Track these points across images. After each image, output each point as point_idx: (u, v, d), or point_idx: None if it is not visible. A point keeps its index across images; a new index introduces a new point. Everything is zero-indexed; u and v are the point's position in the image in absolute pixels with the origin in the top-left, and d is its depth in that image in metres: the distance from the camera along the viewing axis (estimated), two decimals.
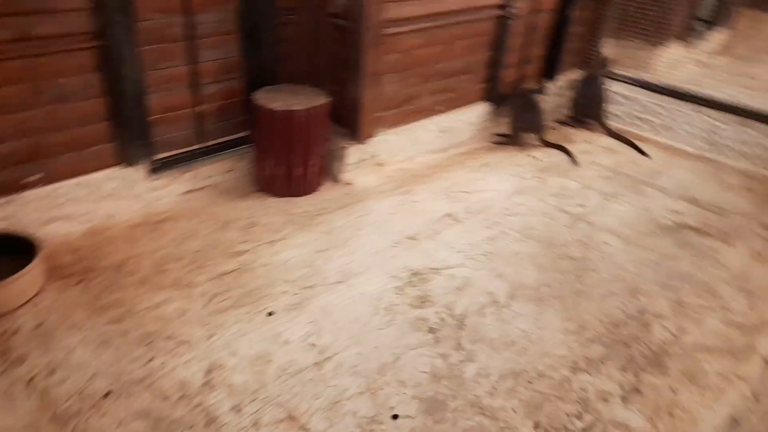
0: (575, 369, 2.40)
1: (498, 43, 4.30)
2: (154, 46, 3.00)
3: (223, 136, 3.54)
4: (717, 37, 5.77)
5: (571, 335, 2.56)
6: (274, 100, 3.31)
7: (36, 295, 2.60)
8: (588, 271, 2.99)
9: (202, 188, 3.48)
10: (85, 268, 2.80)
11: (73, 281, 2.71)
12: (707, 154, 4.43)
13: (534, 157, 4.25)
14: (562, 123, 4.90)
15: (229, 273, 2.84)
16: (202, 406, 2.12)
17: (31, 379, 2.20)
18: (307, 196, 3.56)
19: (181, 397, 2.16)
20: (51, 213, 2.95)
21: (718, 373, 2.41)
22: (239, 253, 2.98)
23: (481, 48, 4.24)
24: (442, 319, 2.61)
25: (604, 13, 5.03)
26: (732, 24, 6.02)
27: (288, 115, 3.24)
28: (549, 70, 4.97)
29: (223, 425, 2.06)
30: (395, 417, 2.14)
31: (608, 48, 5.22)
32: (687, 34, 5.39)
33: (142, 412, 2.09)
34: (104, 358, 2.31)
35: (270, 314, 2.60)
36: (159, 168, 3.28)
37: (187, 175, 3.40)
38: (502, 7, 4.13)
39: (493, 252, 3.11)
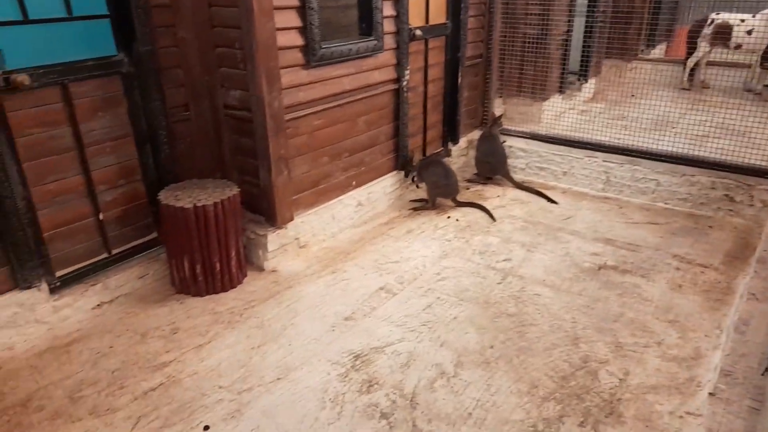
0: None
1: (398, 114, 4.47)
2: (39, 160, 2.82)
3: (130, 242, 3.34)
4: (588, 86, 6.40)
5: (525, 396, 2.52)
6: (181, 197, 3.18)
7: None
8: (527, 326, 3.01)
9: (113, 299, 3.21)
10: None
11: None
12: (607, 194, 4.77)
13: (452, 218, 4.35)
14: (471, 181, 5.11)
15: (154, 389, 2.57)
16: None
17: None
18: (232, 291, 3.37)
19: None
20: None
21: (670, 413, 2.43)
22: (164, 365, 2.72)
23: (383, 121, 4.38)
24: (393, 401, 2.49)
25: (489, 76, 5.43)
26: (598, 73, 6.74)
27: (198, 211, 3.11)
28: (451, 134, 5.24)
29: None
30: None
31: (498, 107, 5.61)
32: (563, 86, 5.94)
33: None
34: None
35: (206, 429, 2.35)
36: (60, 286, 3.00)
37: (95, 287, 3.13)
38: (395, 81, 4.33)
39: (433, 320, 3.07)
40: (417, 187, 4.69)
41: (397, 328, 3.01)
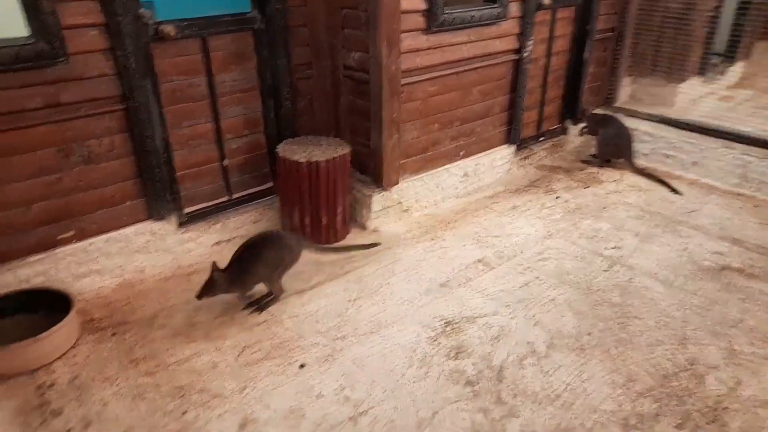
0: (627, 426, 2.24)
1: (515, 86, 4.33)
2: (178, 106, 3.09)
3: (249, 188, 3.58)
4: (734, 70, 5.74)
5: (619, 388, 2.42)
6: (297, 152, 3.34)
7: (71, 348, 2.60)
8: (631, 318, 2.86)
9: (230, 239, 3.49)
10: (117, 321, 2.79)
11: (106, 335, 2.69)
12: (742, 190, 4.31)
13: (561, 198, 4.18)
14: (586, 162, 4.85)
15: (259, 325, 2.79)
16: None
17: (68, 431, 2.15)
18: (336, 245, 3.54)
19: None
20: (84, 268, 2.97)
21: None
22: None
23: (498, 92, 4.27)
24: (480, 371, 2.51)
25: (620, 52, 5.06)
26: (748, 56, 6.00)
27: (312, 166, 3.27)
28: (570, 111, 4.99)
29: None
30: None
31: (626, 86, 5.22)
32: (704, 68, 5.37)
33: None
34: (138, 411, 2.27)
35: (302, 366, 2.53)
36: (188, 221, 3.31)
37: (216, 226, 3.42)
38: (517, 51, 4.18)
39: (529, 298, 3.02)
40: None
41: (491, 301, 2.99)
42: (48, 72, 2.57)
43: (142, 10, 2.77)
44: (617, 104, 5.24)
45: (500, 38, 4.02)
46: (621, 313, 2.90)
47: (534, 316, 2.87)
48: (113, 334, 2.71)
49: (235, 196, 3.53)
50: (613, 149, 4.74)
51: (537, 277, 3.20)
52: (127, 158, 2.96)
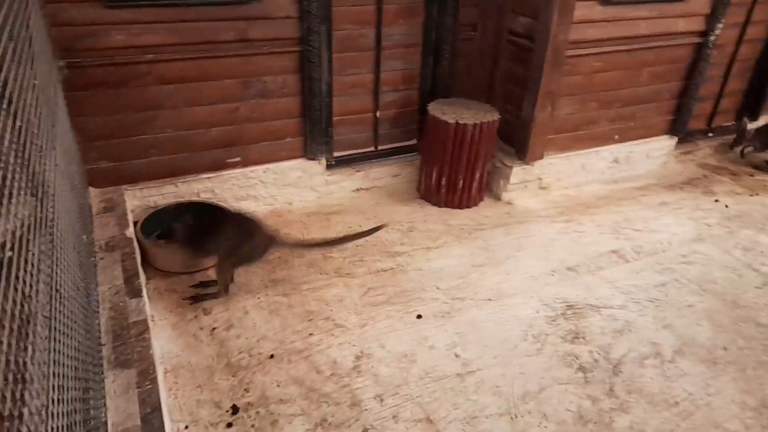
0: None
1: (693, 73, 3.95)
2: (346, 54, 3.26)
3: (394, 142, 3.73)
4: None
5: (749, 411, 2.25)
6: (447, 112, 3.39)
7: None
8: None
9: (370, 188, 3.69)
10: None
11: None
12: None
13: (720, 202, 3.81)
14: (759, 168, 4.33)
15: (385, 271, 2.97)
16: (349, 388, 2.25)
17: (214, 329, 2.52)
18: (467, 210, 3.59)
19: (332, 374, 2.31)
20: (243, 192, 3.34)
21: None
22: (397, 254, 3.10)
23: (672, 76, 3.93)
24: (596, 360, 2.46)
25: None
26: None
27: (458, 128, 3.30)
28: (751, 108, 4.45)
29: (366, 410, 2.16)
30: None
31: None
32: None
33: (298, 379, 2.28)
34: (272, 324, 2.57)
35: (419, 317, 2.67)
36: (335, 165, 3.55)
37: (359, 174, 3.63)
38: (702, 34, 3.79)
39: (663, 300, 2.86)
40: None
41: (620, 294, 2.88)
42: (243, 9, 2.86)
43: None
44: None
45: (685, 17, 3.68)
46: None
47: (665, 318, 2.72)
48: None
49: (381, 147, 3.69)
50: None
51: (676, 279, 3.01)
52: (295, 97, 3.23)
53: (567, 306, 2.78)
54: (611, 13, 3.40)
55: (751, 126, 4.23)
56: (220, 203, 3.14)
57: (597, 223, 3.50)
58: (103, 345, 1.96)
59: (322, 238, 3.06)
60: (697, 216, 3.65)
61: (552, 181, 3.83)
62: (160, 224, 3.02)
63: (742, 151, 4.34)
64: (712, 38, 3.81)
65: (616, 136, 3.98)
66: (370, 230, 2.94)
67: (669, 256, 3.21)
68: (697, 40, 3.82)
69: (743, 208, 3.76)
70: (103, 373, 1.85)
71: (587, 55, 3.49)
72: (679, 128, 4.15)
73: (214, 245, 2.59)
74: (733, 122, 4.51)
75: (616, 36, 3.51)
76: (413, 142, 3.77)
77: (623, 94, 3.81)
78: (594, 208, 3.68)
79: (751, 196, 3.94)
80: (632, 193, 3.89)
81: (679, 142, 4.24)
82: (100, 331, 2.00)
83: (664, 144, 4.18)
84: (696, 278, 3.03)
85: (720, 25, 3.78)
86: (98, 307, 2.11)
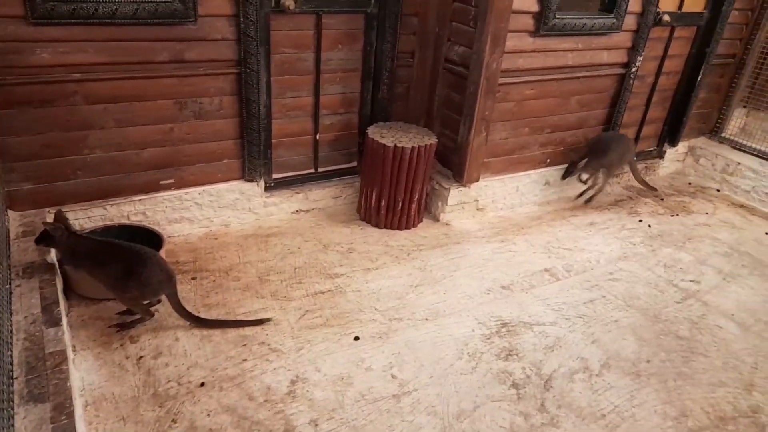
0: None
1: (617, 102, 4.20)
2: (284, 77, 3.28)
3: (335, 164, 3.75)
4: None
5: (670, 421, 2.36)
6: (386, 135, 3.45)
7: None
8: (696, 355, 2.76)
9: (310, 210, 3.68)
10: (198, 267, 3.05)
11: (187, 277, 2.95)
12: None
13: (644, 222, 4.04)
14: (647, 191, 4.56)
15: (323, 293, 2.95)
16: (283, 414, 2.21)
17: (140, 358, 2.41)
18: (406, 231, 3.63)
19: (266, 401, 2.26)
20: (177, 214, 3.25)
21: None
22: (335, 276, 3.09)
23: (597, 104, 4.16)
24: (528, 376, 2.53)
25: (737, 80, 4.75)
26: None
27: (397, 151, 3.37)
28: (670, 135, 4.76)
29: None
30: None
31: (738, 117, 4.90)
32: None
33: (229, 407, 2.21)
34: (204, 351, 2.48)
35: (356, 339, 2.66)
36: (274, 186, 3.53)
37: (299, 196, 3.61)
38: (625, 65, 4.05)
39: (591, 316, 2.98)
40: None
41: (551, 311, 2.98)
42: (178, 30, 2.82)
43: None
44: (724, 135, 4.94)
45: (609, 50, 3.92)
46: (687, 348, 2.80)
47: (593, 334, 2.84)
48: (193, 278, 2.96)
49: (321, 169, 3.70)
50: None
51: (604, 296, 3.14)
52: (232, 119, 3.20)
53: (501, 324, 2.85)
54: (541, 44, 3.58)
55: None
56: (150, 226, 3.04)
57: (530, 243, 3.62)
58: (15, 378, 1.85)
59: (204, 318, 2.65)
60: (622, 235, 3.85)
61: (488, 203, 3.94)
62: None
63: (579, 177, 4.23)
64: (633, 69, 4.07)
65: (548, 160, 4.16)
66: (253, 321, 2.69)
67: (597, 274, 3.36)
68: (620, 71, 4.07)
69: (665, 228, 3.99)
70: (13, 408, 1.74)
71: (519, 83, 3.66)
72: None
73: (106, 276, 2.41)
74: (655, 147, 4.81)
75: (545, 66, 3.70)
76: (353, 164, 3.81)
77: (553, 120, 3.99)
78: (527, 228, 3.82)
79: (672, 216, 4.19)
80: (563, 214, 4.07)
81: None
82: (12, 363, 1.88)
83: None
84: (621, 294, 3.18)
85: (640, 58, 4.05)
86: (11, 337, 1.98)
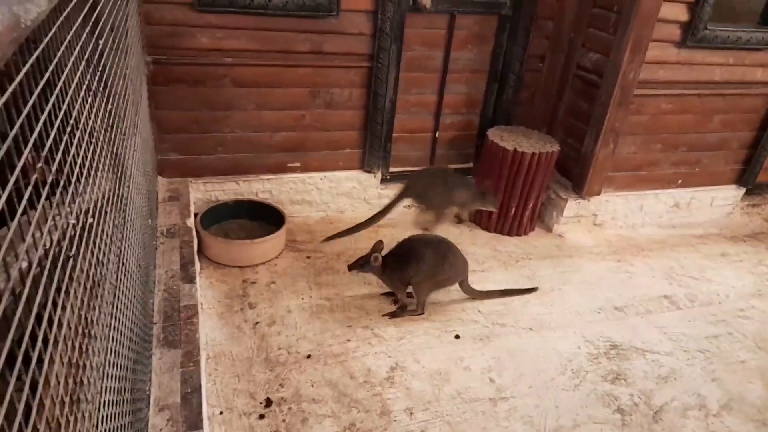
0: None
1: (767, 124, 3.81)
2: (412, 73, 3.35)
3: (450, 163, 3.76)
4: None
5: None
6: (506, 138, 3.41)
7: (274, 258, 3.08)
8: None
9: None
10: (314, 247, 3.22)
11: (303, 255, 3.13)
12: None
13: None
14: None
15: None
16: (380, 397, 2.27)
17: (257, 323, 2.60)
18: (516, 237, 3.57)
19: (365, 382, 2.34)
20: (299, 196, 3.45)
21: None
22: None
23: (744, 126, 3.80)
24: (636, 404, 2.39)
25: None
26: None
27: (516, 156, 3.31)
28: None
29: (395, 421, 2.17)
30: None
31: None
32: None
33: (331, 382, 2.32)
34: (312, 326, 2.63)
35: (457, 337, 2.67)
36: (390, 179, 3.62)
37: None
38: None
39: (714, 352, 2.74)
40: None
41: (668, 340, 2.78)
42: (321, 22, 2.99)
43: None
44: None
45: (764, 67, 3.57)
46: None
47: (714, 371, 2.61)
48: (308, 257, 3.13)
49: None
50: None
51: (730, 333, 2.88)
52: (359, 111, 3.33)
53: (611, 345, 2.71)
54: (686, 56, 3.35)
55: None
56: (275, 204, 3.26)
57: (650, 266, 3.40)
58: (155, 323, 2.07)
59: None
60: (758, 271, 3.49)
61: (607, 219, 3.76)
62: (219, 218, 3.19)
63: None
64: None
65: (679, 181, 3.87)
66: (523, 290, 3.01)
67: (724, 309, 3.08)
68: None
69: None
70: (152, 349, 1.95)
71: (656, 95, 3.44)
72: (748, 179, 4.00)
73: (409, 274, 2.68)
74: None
75: (688, 79, 3.45)
76: (469, 165, 3.80)
77: (690, 138, 3.71)
78: (648, 250, 3.59)
79: None
80: (690, 240, 3.77)
81: (747, 193, 4.08)
82: (153, 310, 2.12)
83: (730, 194, 4.03)
84: (752, 334, 2.89)
85: None
86: (155, 287, 2.23)
